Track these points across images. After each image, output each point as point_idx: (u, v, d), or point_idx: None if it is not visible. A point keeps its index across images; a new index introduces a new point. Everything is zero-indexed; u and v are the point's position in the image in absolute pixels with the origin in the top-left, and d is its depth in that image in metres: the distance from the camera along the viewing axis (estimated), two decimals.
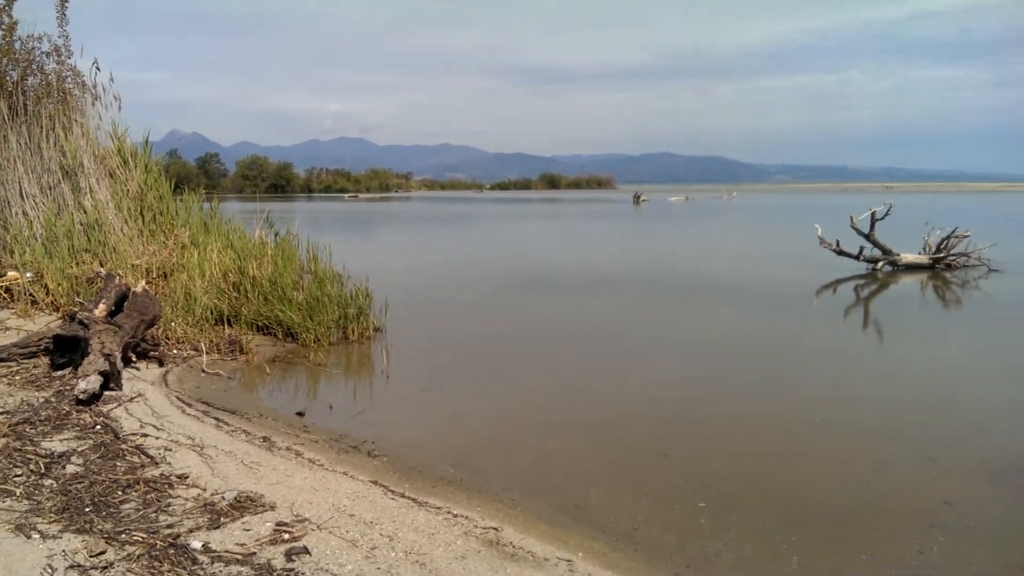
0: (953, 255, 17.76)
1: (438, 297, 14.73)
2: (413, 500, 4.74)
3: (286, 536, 3.97)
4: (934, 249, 17.85)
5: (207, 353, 8.61)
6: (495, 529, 4.41)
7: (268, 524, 4.11)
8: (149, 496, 4.39)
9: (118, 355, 6.89)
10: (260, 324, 9.88)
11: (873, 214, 17.84)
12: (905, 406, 7.37)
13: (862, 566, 4.28)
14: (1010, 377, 8.54)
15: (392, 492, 4.85)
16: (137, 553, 3.63)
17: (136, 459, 5.02)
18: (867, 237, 17.98)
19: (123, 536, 3.81)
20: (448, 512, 4.59)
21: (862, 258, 17.88)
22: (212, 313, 9.69)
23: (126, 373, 7.26)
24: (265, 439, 5.87)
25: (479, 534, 4.31)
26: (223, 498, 4.43)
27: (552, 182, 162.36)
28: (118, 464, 4.89)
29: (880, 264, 17.77)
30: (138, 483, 4.56)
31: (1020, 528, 4.76)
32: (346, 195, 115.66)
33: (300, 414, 6.92)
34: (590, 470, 5.69)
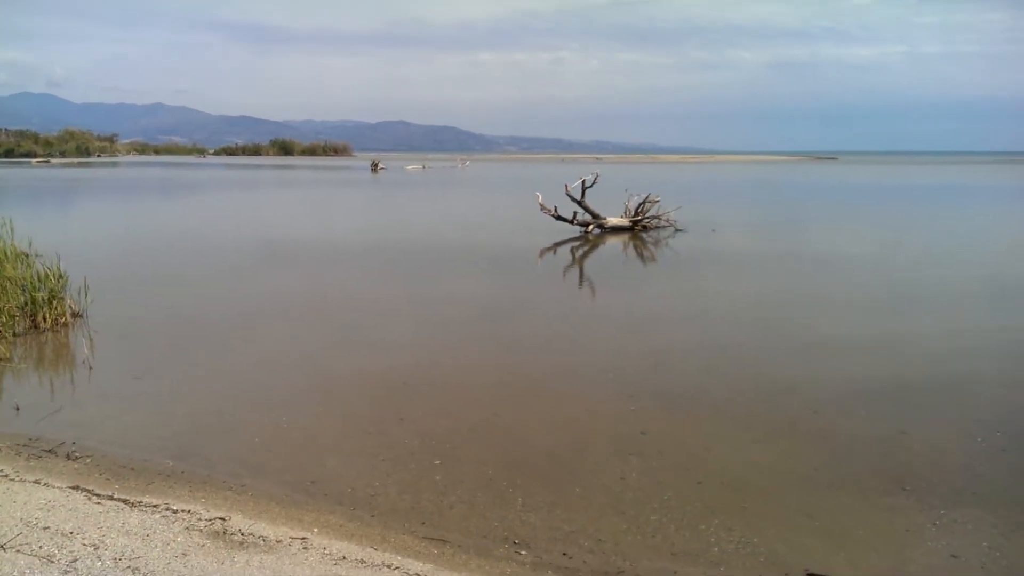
0: (647, 218, 20.38)
1: (153, 276, 13.31)
2: (124, 501, 4.30)
3: None
4: (632, 213, 20.32)
5: None
6: (222, 519, 4.18)
7: None
8: None
9: None
10: None
11: (583, 182, 19.76)
12: (610, 351, 8.36)
13: (575, 497, 4.82)
14: (691, 321, 10.11)
15: (97, 496, 4.35)
16: None
17: None
18: (579, 203, 19.87)
19: None
20: (167, 509, 4.25)
21: (576, 222, 19.74)
22: None
23: None
24: None
25: (203, 527, 4.05)
26: None
27: (285, 148, 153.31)
28: None
29: (591, 227, 19.78)
30: None
31: (699, 449, 5.69)
32: (34, 160, 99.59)
33: None
34: (326, 443, 5.64)
